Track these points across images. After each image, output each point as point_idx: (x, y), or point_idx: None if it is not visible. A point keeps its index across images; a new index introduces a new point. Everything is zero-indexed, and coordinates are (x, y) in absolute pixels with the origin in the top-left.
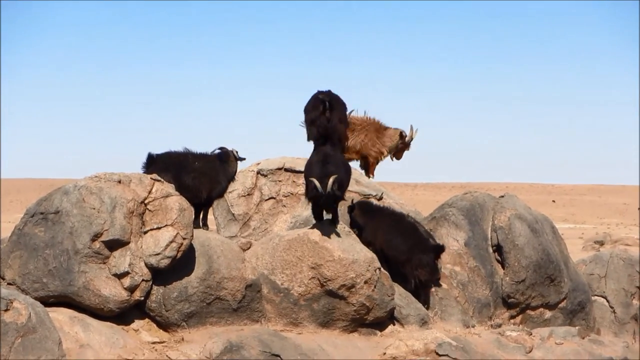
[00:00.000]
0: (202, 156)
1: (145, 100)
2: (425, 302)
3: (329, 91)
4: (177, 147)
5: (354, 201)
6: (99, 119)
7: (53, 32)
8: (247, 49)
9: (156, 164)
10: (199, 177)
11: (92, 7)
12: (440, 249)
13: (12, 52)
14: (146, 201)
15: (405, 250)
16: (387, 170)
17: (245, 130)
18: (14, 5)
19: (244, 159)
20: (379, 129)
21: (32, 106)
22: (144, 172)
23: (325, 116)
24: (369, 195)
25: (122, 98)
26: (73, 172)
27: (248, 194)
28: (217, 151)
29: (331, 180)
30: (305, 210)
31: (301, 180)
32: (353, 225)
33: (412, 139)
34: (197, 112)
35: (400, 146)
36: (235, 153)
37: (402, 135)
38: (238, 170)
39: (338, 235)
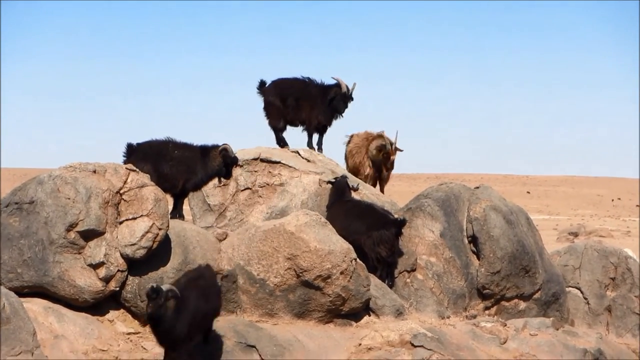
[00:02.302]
0: (184, 146)
1: (121, 91)
2: (389, 281)
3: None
4: (160, 137)
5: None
6: (75, 108)
7: (27, 21)
8: (223, 40)
9: (136, 153)
10: (177, 165)
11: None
12: (401, 223)
13: None
14: (121, 191)
15: (365, 230)
16: None
17: (222, 119)
18: None
19: (230, 159)
20: (368, 141)
21: (5, 95)
22: (125, 162)
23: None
24: None
25: (98, 87)
26: (47, 161)
27: (224, 185)
28: (210, 144)
29: None
30: (281, 200)
31: (277, 170)
32: None
33: (392, 146)
34: (173, 101)
35: (384, 157)
36: (221, 149)
37: (380, 149)
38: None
39: None
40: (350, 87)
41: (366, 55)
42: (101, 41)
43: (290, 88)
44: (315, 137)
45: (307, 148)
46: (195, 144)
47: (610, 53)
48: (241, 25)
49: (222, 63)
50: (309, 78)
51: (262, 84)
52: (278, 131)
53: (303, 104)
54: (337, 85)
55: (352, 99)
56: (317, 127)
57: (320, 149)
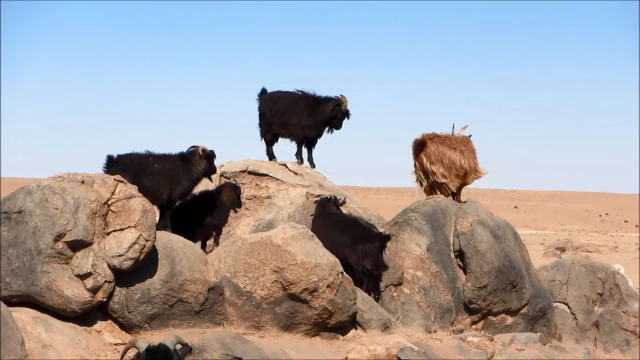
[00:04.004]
0: (163, 157)
1: (108, 101)
2: (375, 294)
3: None
4: (140, 149)
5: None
6: (63, 118)
7: (12, 30)
8: (211, 51)
9: (116, 166)
10: (158, 178)
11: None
12: (385, 237)
13: None
14: (109, 202)
15: (349, 243)
16: (350, 174)
17: (209, 132)
18: None
19: (213, 155)
20: (467, 143)
21: None
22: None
23: None
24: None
25: (86, 98)
26: (36, 171)
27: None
28: (186, 151)
29: None
30: (268, 213)
31: (264, 183)
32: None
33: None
34: (161, 113)
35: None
36: (201, 151)
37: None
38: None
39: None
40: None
41: (352, 63)
42: (88, 51)
43: (280, 101)
44: (305, 152)
45: (295, 161)
46: (173, 153)
47: (600, 69)
48: (231, 36)
49: (211, 74)
50: (302, 91)
51: (262, 91)
52: (267, 144)
53: (289, 117)
54: (338, 102)
55: (349, 116)
56: (304, 140)
57: (312, 164)
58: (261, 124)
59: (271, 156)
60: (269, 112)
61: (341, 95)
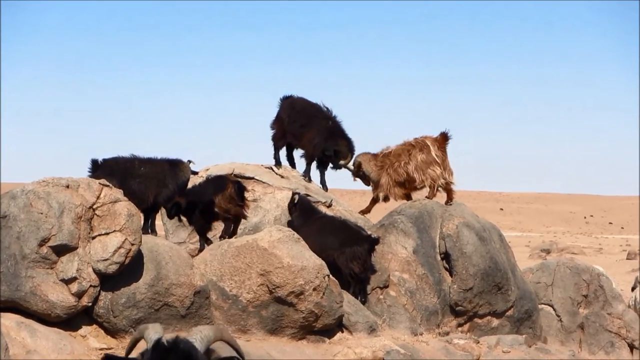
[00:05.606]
0: (150, 161)
1: (93, 106)
2: (362, 297)
3: None
4: (125, 153)
5: (296, 197)
6: (47, 122)
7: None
8: (196, 53)
9: (102, 170)
10: (145, 181)
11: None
12: (374, 240)
13: None
14: (94, 206)
15: (338, 246)
16: (337, 177)
17: (195, 135)
18: None
19: (196, 173)
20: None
21: None
22: (90, 178)
23: None
24: (317, 202)
25: (70, 103)
26: (20, 176)
27: None
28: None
29: None
30: (254, 216)
31: (250, 186)
32: (290, 223)
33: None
34: (147, 117)
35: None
36: (187, 161)
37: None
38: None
39: None
40: (351, 163)
41: (335, 63)
42: (67, 54)
43: (302, 112)
44: (317, 173)
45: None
46: (159, 158)
47: (585, 70)
48: (220, 38)
49: (195, 77)
50: (327, 108)
51: (286, 96)
52: (276, 149)
53: (306, 132)
54: (341, 151)
55: (338, 169)
56: (313, 157)
57: (324, 187)
58: (275, 128)
59: (277, 162)
60: (287, 120)
61: (348, 150)
